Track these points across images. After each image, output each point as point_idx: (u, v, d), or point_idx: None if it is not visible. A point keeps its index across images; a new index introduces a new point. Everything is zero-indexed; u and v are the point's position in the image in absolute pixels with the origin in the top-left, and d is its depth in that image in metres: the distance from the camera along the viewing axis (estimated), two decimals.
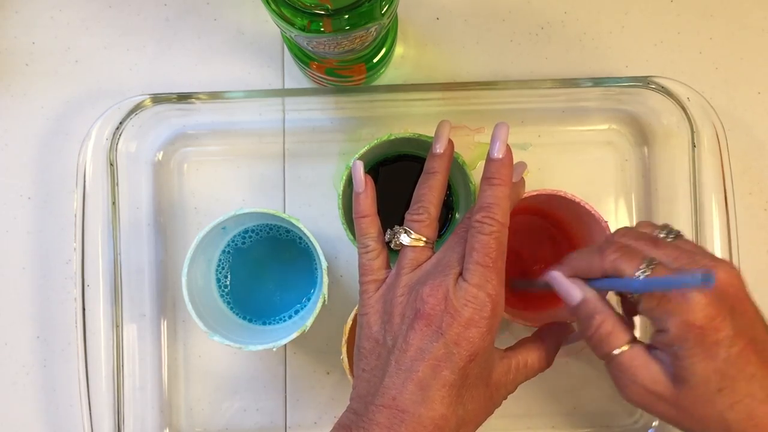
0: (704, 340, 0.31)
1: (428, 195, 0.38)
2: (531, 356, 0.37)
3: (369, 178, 0.39)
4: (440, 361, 0.33)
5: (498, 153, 0.37)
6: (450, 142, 0.40)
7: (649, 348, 0.34)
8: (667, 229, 0.37)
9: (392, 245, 0.38)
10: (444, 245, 0.37)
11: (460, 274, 0.34)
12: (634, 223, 0.50)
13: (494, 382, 0.35)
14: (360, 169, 0.39)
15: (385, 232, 0.38)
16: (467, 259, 0.34)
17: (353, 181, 0.39)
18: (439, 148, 0.39)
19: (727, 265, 0.34)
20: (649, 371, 0.34)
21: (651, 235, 0.36)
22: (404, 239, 0.37)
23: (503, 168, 0.36)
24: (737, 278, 0.33)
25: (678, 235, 0.36)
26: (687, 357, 0.32)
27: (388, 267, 0.38)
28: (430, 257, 0.37)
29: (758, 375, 0.32)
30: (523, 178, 0.40)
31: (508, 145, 0.37)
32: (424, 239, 0.37)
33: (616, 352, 0.34)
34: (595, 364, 0.50)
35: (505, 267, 0.35)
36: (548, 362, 0.38)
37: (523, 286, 0.46)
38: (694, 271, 0.30)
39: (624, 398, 0.35)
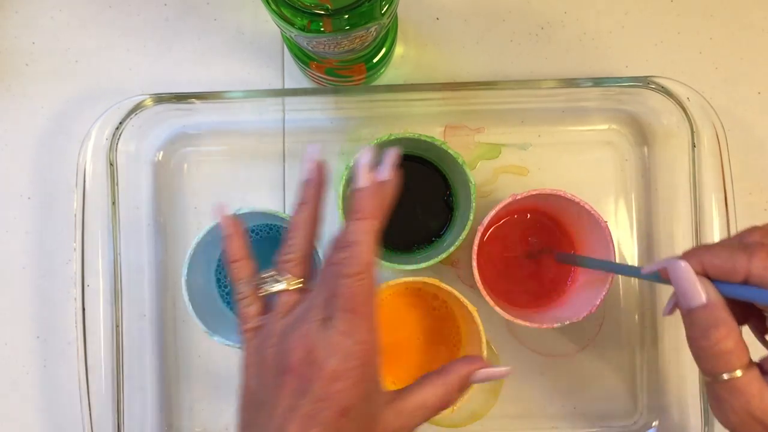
0: None
1: (296, 231, 0.35)
2: (429, 395, 0.33)
3: (238, 221, 0.37)
4: (309, 419, 0.29)
5: (362, 182, 0.33)
6: (319, 167, 0.36)
7: (763, 373, 0.31)
8: None
9: (258, 294, 0.35)
10: (315, 286, 0.33)
11: (329, 318, 0.31)
12: (634, 223, 0.50)
13: (382, 430, 0.32)
14: (224, 214, 0.37)
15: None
16: (333, 304, 0.31)
17: (221, 227, 0.37)
18: (306, 173, 0.36)
19: None
20: (763, 400, 0.30)
21: None
22: (274, 286, 0.34)
23: (367, 200, 0.33)
24: None
25: None
26: None
27: (265, 312, 0.35)
28: (302, 299, 0.33)
29: None
30: (389, 180, 0.36)
31: (373, 174, 0.34)
32: (296, 280, 0.34)
33: (731, 375, 0.31)
34: (595, 364, 0.50)
35: (373, 309, 0.32)
36: (450, 400, 0.34)
37: (572, 261, 0.46)
38: None
39: (720, 421, 0.32)
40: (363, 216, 0.33)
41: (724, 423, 0.32)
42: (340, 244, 0.32)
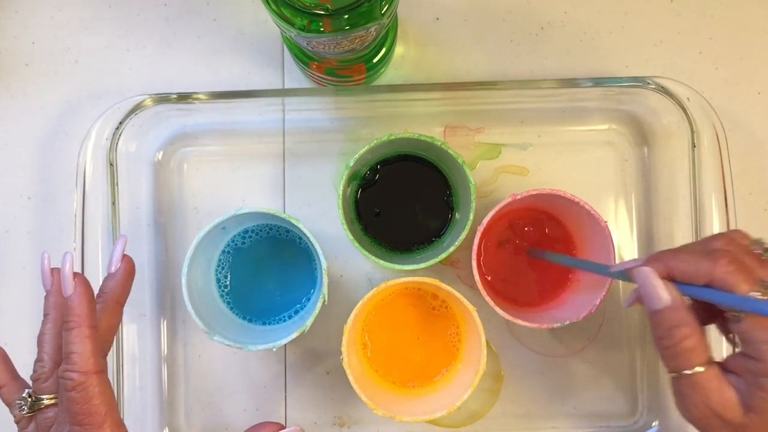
0: None
1: (42, 346, 0.35)
2: None
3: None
4: None
5: (67, 290, 0.34)
6: (54, 274, 0.37)
7: (724, 370, 0.33)
8: (763, 246, 0.34)
9: (25, 415, 0.35)
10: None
11: None
12: (634, 223, 0.50)
13: None
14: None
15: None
16: (67, 419, 0.33)
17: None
18: (46, 285, 0.37)
19: None
20: (722, 395, 0.32)
21: (754, 251, 0.34)
22: (29, 410, 0.35)
23: (77, 307, 0.34)
24: None
25: None
26: None
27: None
28: (58, 412, 0.34)
29: None
30: (126, 264, 0.38)
31: (79, 279, 0.34)
32: (48, 397, 0.35)
33: (692, 370, 0.32)
34: (595, 364, 0.50)
35: (105, 412, 0.33)
36: None
37: (542, 257, 0.46)
38: None
39: (683, 415, 0.34)
40: (75, 324, 0.33)
41: (687, 417, 0.33)
42: (64, 355, 0.33)
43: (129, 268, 0.39)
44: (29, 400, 0.35)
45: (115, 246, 0.39)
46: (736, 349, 0.34)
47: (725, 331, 0.36)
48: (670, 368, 0.34)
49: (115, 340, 0.46)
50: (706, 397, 0.32)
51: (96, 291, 0.37)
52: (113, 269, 0.38)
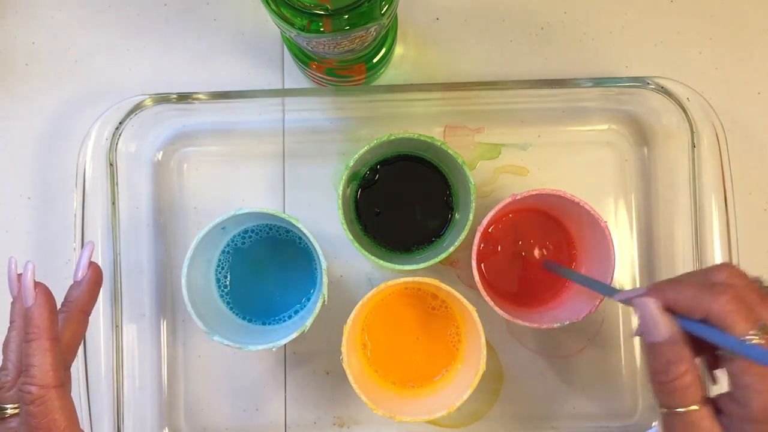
0: None
1: (6, 354, 0.35)
2: None
3: None
4: None
5: (29, 300, 0.33)
6: (20, 280, 0.35)
7: (715, 409, 0.33)
8: (760, 282, 0.34)
9: None
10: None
11: None
12: (634, 223, 0.50)
13: None
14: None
15: None
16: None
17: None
18: (13, 292, 0.36)
19: None
20: None
21: (756, 287, 0.33)
22: None
23: (38, 318, 0.33)
24: None
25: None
26: None
27: None
28: (18, 426, 0.33)
29: None
30: (92, 272, 0.38)
31: (41, 288, 0.34)
32: (11, 406, 0.34)
33: (687, 409, 0.32)
34: (595, 364, 0.50)
35: (67, 426, 0.32)
36: None
37: (557, 272, 0.46)
38: None
39: None
40: (35, 336, 0.33)
41: None
42: (23, 368, 0.32)
43: (95, 276, 0.38)
44: None
45: (81, 253, 0.38)
46: (714, 386, 0.34)
47: (711, 366, 0.36)
48: (663, 404, 0.33)
49: (114, 339, 0.47)
50: None
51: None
52: (79, 277, 0.37)
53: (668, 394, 0.32)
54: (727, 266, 0.34)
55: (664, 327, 0.33)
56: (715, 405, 0.33)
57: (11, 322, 0.36)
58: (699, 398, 0.32)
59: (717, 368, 0.35)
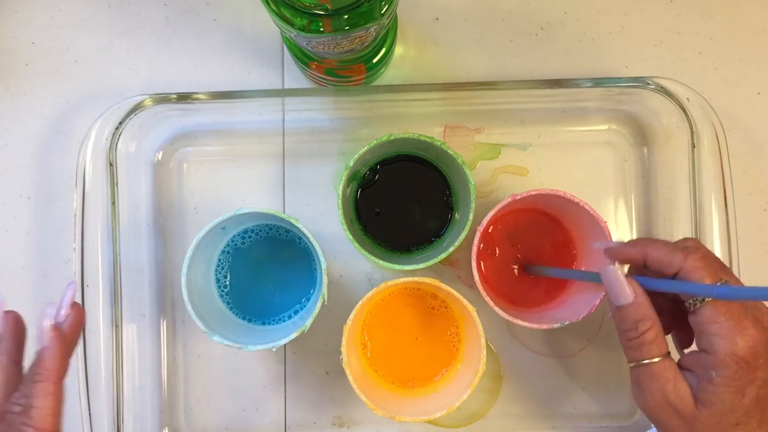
0: (743, 375, 0.32)
1: None
2: None
3: None
4: None
5: (45, 341, 0.34)
6: (4, 316, 0.36)
7: (679, 366, 0.35)
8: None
9: None
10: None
11: None
12: (634, 223, 0.51)
13: None
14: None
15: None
16: None
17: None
18: None
19: None
20: (676, 385, 0.34)
21: (718, 258, 0.36)
22: None
23: (49, 360, 0.34)
24: None
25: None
26: (722, 384, 0.33)
27: None
28: None
29: None
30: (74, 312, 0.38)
31: (60, 331, 0.34)
32: None
33: (651, 360, 0.35)
34: (595, 364, 0.50)
35: None
36: None
37: (538, 273, 0.46)
38: None
39: (639, 404, 0.36)
40: (42, 378, 0.33)
41: (643, 406, 0.36)
42: (19, 400, 0.32)
43: (78, 318, 0.38)
44: None
45: (64, 293, 0.38)
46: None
47: (681, 342, 0.39)
48: (630, 359, 0.36)
49: (114, 339, 0.47)
50: (662, 385, 0.34)
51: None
52: (62, 317, 0.37)
53: (636, 348, 0.35)
54: (691, 238, 0.38)
55: (630, 290, 0.35)
56: (680, 364, 0.35)
57: None
58: (663, 351, 0.35)
59: (687, 347, 0.38)
